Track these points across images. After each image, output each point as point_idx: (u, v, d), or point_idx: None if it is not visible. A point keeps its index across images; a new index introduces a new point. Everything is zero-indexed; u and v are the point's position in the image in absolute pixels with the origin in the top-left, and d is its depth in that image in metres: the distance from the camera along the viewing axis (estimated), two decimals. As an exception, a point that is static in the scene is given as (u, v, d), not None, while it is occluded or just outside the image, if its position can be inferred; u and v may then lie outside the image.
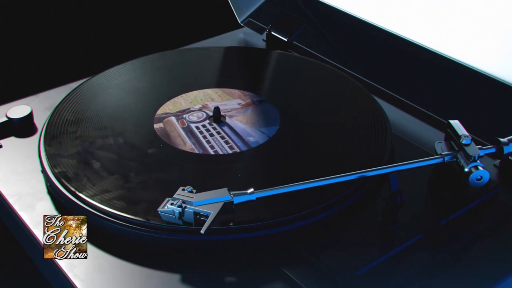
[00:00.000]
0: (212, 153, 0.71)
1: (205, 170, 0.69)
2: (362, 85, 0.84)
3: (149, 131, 0.75)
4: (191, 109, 0.79)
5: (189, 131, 0.75)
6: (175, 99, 0.81)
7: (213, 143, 0.73)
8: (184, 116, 0.78)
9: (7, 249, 0.82)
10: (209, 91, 0.83)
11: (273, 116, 0.78)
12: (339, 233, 0.63)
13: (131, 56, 0.90)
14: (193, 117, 0.78)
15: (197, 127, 0.76)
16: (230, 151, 0.72)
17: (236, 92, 0.83)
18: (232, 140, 0.74)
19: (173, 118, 0.77)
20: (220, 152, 0.71)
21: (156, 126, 0.76)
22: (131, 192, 0.66)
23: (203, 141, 0.73)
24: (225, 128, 0.76)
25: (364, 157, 0.70)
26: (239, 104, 0.79)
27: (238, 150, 0.72)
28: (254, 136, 0.74)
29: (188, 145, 0.72)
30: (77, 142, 0.73)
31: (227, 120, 0.77)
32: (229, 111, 0.79)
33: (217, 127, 0.76)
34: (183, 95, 0.82)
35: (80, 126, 0.75)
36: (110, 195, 0.65)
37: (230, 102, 0.81)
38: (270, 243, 0.62)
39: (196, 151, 0.71)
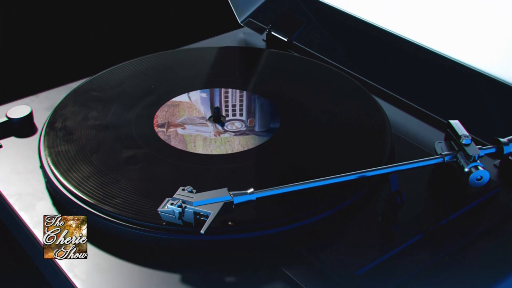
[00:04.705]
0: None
1: (205, 170, 0.69)
2: (362, 85, 0.84)
3: (149, 131, 0.75)
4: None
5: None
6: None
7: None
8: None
9: (7, 249, 0.82)
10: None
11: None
12: (339, 233, 0.63)
13: (131, 56, 0.90)
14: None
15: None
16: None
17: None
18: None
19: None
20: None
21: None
22: (131, 192, 0.65)
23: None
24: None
25: (364, 157, 0.70)
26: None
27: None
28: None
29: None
30: (77, 142, 0.73)
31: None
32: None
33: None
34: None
35: (80, 126, 0.75)
36: (110, 195, 0.65)
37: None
38: (270, 243, 0.62)
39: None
